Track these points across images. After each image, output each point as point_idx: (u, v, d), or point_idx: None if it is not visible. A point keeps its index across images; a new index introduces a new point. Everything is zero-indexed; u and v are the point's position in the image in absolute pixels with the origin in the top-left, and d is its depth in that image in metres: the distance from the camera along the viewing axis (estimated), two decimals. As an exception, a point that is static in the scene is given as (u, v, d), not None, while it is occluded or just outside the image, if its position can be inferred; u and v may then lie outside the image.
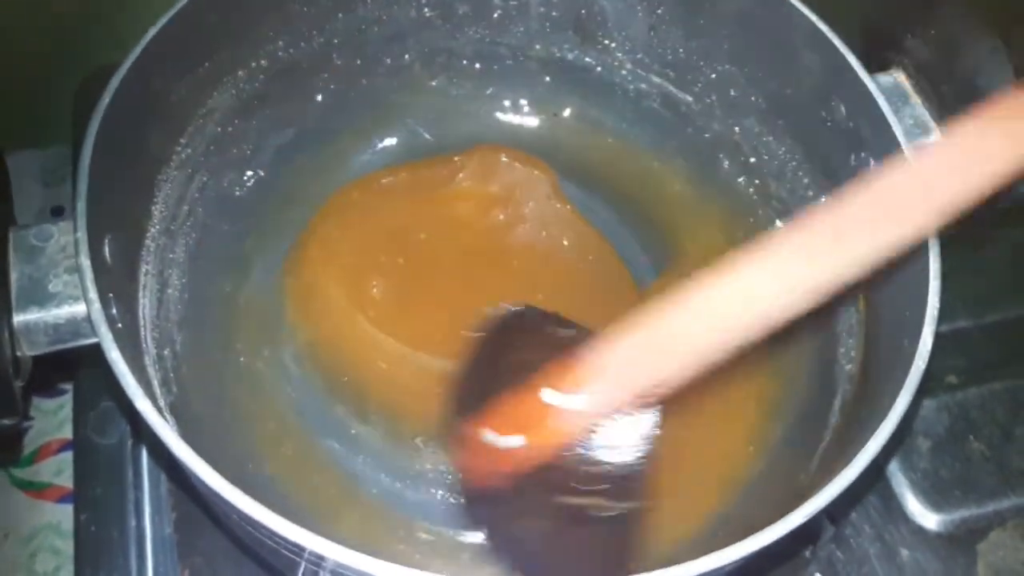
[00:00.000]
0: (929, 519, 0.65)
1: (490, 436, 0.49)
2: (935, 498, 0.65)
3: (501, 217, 0.70)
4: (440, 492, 0.59)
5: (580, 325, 0.55)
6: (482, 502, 0.52)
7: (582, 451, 0.48)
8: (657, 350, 0.46)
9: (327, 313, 0.65)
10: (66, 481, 0.88)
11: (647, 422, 0.49)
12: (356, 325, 0.64)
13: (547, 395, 0.47)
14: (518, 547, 0.52)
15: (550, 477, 0.48)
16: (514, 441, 0.48)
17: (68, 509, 0.85)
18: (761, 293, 0.45)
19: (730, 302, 0.45)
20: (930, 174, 0.45)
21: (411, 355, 0.63)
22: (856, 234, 0.44)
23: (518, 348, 0.55)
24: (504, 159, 0.71)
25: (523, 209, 0.70)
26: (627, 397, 0.47)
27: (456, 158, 0.71)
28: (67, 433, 0.90)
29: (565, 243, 0.70)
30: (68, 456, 0.89)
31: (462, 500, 0.54)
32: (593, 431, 0.48)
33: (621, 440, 0.49)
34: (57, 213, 0.99)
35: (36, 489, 0.89)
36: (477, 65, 0.72)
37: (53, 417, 0.92)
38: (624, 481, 0.49)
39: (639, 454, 0.49)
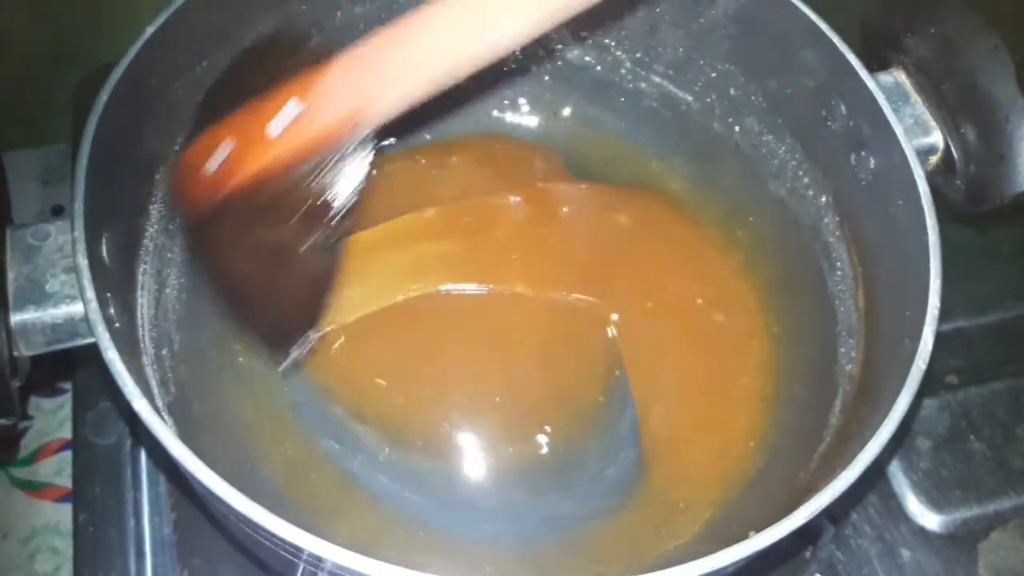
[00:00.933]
0: (930, 519, 0.65)
1: (212, 151, 0.46)
2: (936, 498, 0.65)
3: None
4: (439, 493, 0.59)
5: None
6: (199, 233, 0.50)
7: (296, 177, 0.46)
8: (395, 64, 0.45)
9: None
10: (65, 481, 0.88)
11: (361, 159, 0.47)
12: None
13: (276, 109, 0.45)
14: (229, 280, 0.51)
15: (263, 201, 0.47)
16: (234, 151, 0.46)
17: (67, 509, 0.85)
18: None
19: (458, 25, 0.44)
20: None
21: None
22: None
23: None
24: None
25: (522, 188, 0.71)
26: (357, 117, 0.45)
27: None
28: (67, 433, 0.90)
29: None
30: (67, 456, 0.89)
31: (187, 234, 0.52)
32: (311, 159, 0.46)
33: (336, 173, 0.47)
34: (57, 212, 1.00)
35: (35, 489, 0.90)
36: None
37: (53, 417, 0.92)
38: (332, 212, 0.47)
39: (351, 187, 0.47)
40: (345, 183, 0.46)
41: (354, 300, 0.63)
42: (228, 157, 0.45)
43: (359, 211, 0.48)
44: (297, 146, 0.45)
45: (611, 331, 0.66)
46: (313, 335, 0.56)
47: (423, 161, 0.72)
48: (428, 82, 0.45)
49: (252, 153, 0.45)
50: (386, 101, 0.45)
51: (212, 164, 0.46)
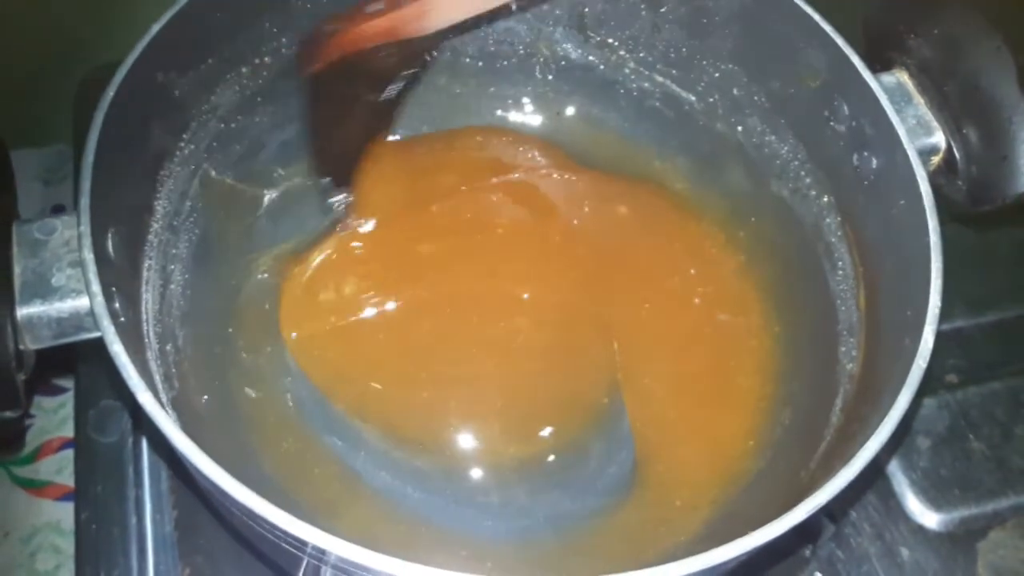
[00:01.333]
0: (929, 518, 0.65)
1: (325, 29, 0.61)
2: (935, 497, 0.65)
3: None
4: (441, 489, 0.60)
5: None
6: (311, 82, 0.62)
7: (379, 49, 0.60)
8: None
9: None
10: (66, 479, 0.88)
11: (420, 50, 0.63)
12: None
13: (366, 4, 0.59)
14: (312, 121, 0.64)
15: (355, 62, 0.60)
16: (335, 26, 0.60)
17: (68, 507, 0.85)
18: None
19: None
20: None
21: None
22: None
23: None
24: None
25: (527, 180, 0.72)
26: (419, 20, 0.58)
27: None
28: (68, 431, 0.90)
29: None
30: (69, 454, 0.89)
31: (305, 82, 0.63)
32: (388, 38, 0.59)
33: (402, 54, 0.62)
34: (58, 212, 1.00)
35: (37, 487, 0.90)
36: (480, 63, 0.72)
37: (54, 415, 0.92)
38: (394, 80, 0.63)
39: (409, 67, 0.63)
40: (406, 64, 0.63)
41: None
42: (336, 29, 0.60)
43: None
44: (377, 29, 0.59)
45: (611, 330, 0.66)
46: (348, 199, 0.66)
47: (423, 150, 0.73)
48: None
49: (349, 27, 0.59)
50: (443, 10, 0.59)
51: (325, 31, 0.60)
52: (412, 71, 0.63)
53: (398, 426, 0.62)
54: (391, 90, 0.63)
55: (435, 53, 0.69)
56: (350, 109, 0.64)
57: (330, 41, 0.60)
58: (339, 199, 0.66)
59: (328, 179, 0.66)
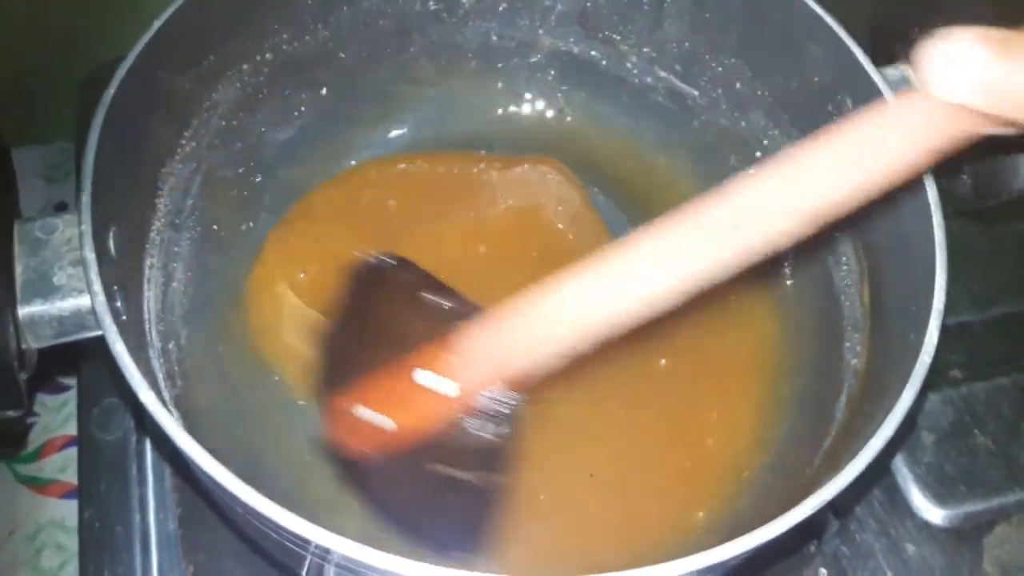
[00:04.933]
0: (934, 514, 0.65)
1: (361, 411, 0.50)
2: (940, 493, 0.65)
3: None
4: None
5: (456, 292, 0.55)
6: (353, 466, 0.52)
7: (450, 429, 0.49)
8: (533, 335, 0.46)
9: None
10: (70, 477, 0.88)
11: (512, 401, 0.49)
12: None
13: (421, 376, 0.48)
14: (389, 507, 0.53)
15: (418, 451, 0.49)
16: (384, 421, 0.49)
17: (72, 505, 0.85)
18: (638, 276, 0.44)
19: (606, 285, 0.45)
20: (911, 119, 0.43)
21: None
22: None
23: (391, 306, 0.55)
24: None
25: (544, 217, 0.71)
26: (500, 379, 0.47)
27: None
28: (71, 429, 0.90)
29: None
30: (72, 452, 0.89)
31: (335, 462, 0.54)
32: (463, 412, 0.49)
33: (487, 417, 0.50)
34: (60, 209, 1.00)
35: (40, 485, 0.90)
36: (482, 59, 0.72)
37: (57, 414, 0.92)
38: (488, 457, 0.50)
39: (503, 431, 0.50)
40: (489, 430, 0.49)
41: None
42: (384, 418, 0.49)
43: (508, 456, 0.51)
44: (444, 407, 0.48)
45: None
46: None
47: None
48: (563, 350, 0.46)
49: (407, 414, 0.48)
50: (526, 363, 0.47)
51: (369, 415, 0.49)
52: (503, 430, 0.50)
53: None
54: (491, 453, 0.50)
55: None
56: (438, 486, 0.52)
57: (377, 435, 0.49)
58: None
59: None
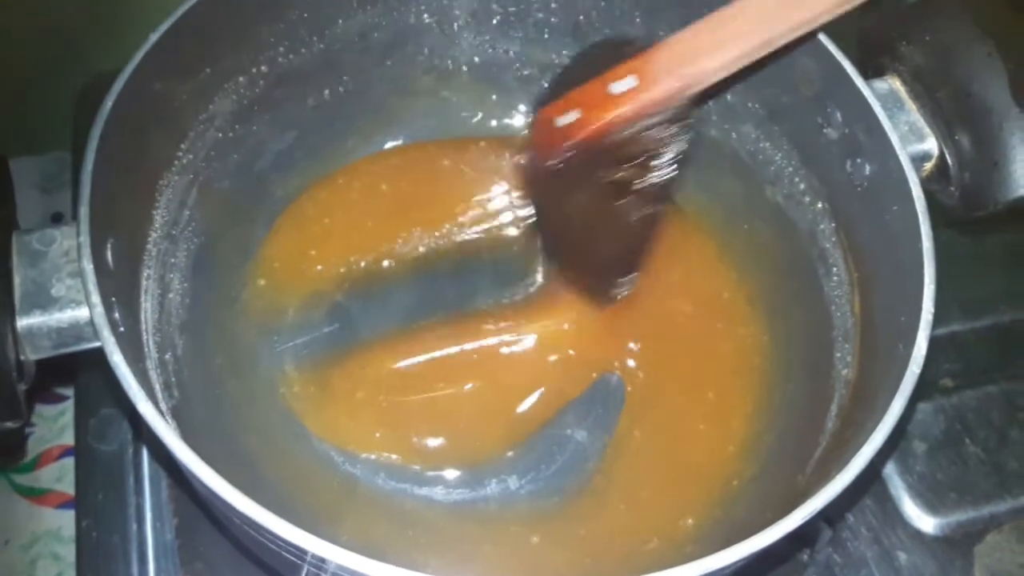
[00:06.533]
0: (926, 522, 0.65)
1: (557, 118, 0.56)
2: (931, 501, 0.65)
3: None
4: (438, 492, 0.60)
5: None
6: (539, 184, 0.60)
7: (629, 134, 0.55)
8: (707, 46, 0.53)
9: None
10: (66, 487, 0.89)
11: (683, 130, 0.55)
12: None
13: (610, 85, 0.55)
14: (561, 226, 0.61)
15: (598, 156, 0.55)
16: (573, 115, 0.55)
17: (68, 515, 0.85)
18: None
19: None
20: None
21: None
22: None
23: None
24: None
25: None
26: (677, 90, 0.53)
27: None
28: (67, 439, 0.90)
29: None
30: (68, 462, 0.89)
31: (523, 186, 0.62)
32: (641, 121, 0.54)
33: (662, 136, 0.55)
34: (57, 220, 1.00)
35: (37, 495, 0.90)
36: (476, 71, 0.73)
37: (53, 423, 0.92)
38: (657, 169, 0.56)
39: (674, 148, 0.55)
40: (671, 142, 0.55)
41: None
42: (579, 115, 0.55)
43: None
44: (632, 109, 0.54)
45: (604, 337, 0.66)
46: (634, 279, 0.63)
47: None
48: (740, 57, 0.53)
49: (597, 111, 0.54)
50: (703, 74, 0.53)
51: (565, 119, 0.55)
52: (684, 141, 0.56)
53: (399, 421, 0.62)
54: (664, 169, 0.56)
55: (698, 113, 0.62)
56: (611, 200, 0.58)
57: (570, 132, 0.55)
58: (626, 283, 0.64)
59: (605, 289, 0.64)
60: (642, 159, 0.55)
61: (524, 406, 0.63)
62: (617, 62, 0.55)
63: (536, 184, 0.62)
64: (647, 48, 0.55)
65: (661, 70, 0.53)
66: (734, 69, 0.53)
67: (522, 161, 0.62)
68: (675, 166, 0.56)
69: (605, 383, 0.65)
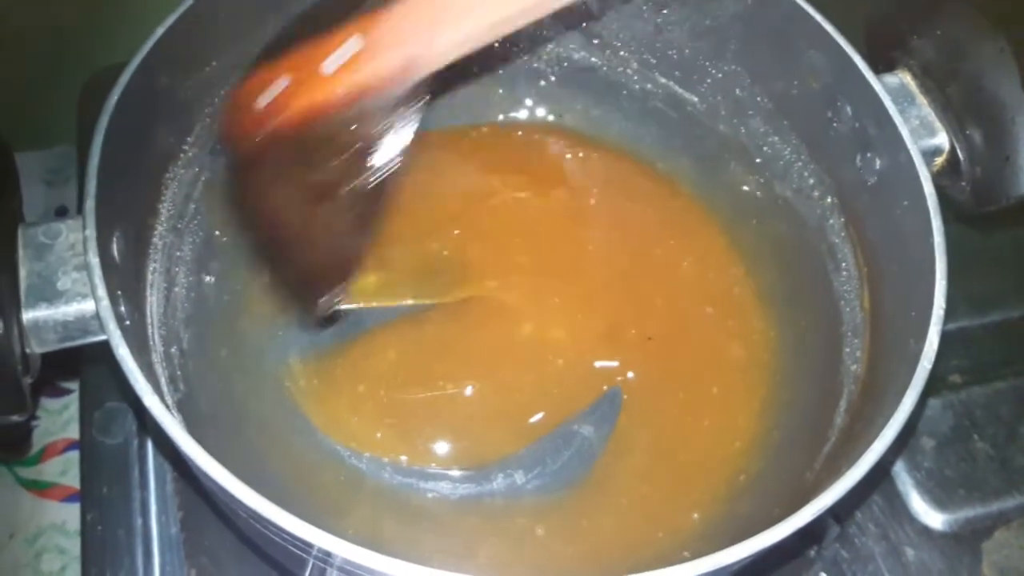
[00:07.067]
0: (934, 518, 0.65)
1: (257, 97, 0.47)
2: (940, 497, 0.65)
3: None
4: (444, 487, 0.60)
5: None
6: (248, 173, 0.50)
7: (345, 120, 0.46)
8: (447, 16, 0.45)
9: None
10: (71, 480, 0.89)
11: (410, 114, 0.46)
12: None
13: (325, 56, 0.45)
14: (268, 223, 0.51)
15: (310, 140, 0.46)
16: (273, 92, 0.46)
17: (73, 508, 0.86)
18: None
19: None
20: None
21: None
22: None
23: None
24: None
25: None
26: (406, 66, 0.45)
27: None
28: (72, 433, 0.90)
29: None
30: (73, 455, 0.89)
31: (233, 173, 0.51)
32: (362, 103, 0.45)
33: (385, 123, 0.46)
34: (61, 213, 1.00)
35: (41, 488, 0.90)
36: (483, 65, 0.73)
37: (58, 417, 0.93)
38: (377, 161, 0.47)
39: (398, 139, 0.47)
40: (393, 135, 0.46)
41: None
42: (283, 91, 0.45)
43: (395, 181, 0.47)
44: (350, 86, 0.45)
45: (613, 331, 0.66)
46: (345, 290, 0.52)
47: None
48: (477, 33, 0.46)
49: (306, 88, 0.45)
50: (438, 48, 0.45)
51: (266, 97, 0.45)
52: (404, 137, 0.46)
53: (405, 416, 0.62)
54: (382, 167, 0.46)
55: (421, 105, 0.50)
56: (321, 200, 0.48)
57: (274, 110, 0.46)
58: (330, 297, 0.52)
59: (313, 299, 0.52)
60: (355, 151, 0.46)
61: (534, 418, 0.63)
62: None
63: (232, 173, 0.52)
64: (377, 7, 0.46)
65: (389, 38, 0.45)
66: (474, 44, 0.46)
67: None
68: (397, 160, 0.46)
69: (612, 379, 0.65)
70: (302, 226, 0.50)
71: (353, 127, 0.45)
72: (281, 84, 0.45)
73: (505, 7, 0.45)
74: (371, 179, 0.46)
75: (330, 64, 0.44)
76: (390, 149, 0.46)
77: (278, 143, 0.46)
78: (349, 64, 0.44)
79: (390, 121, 0.46)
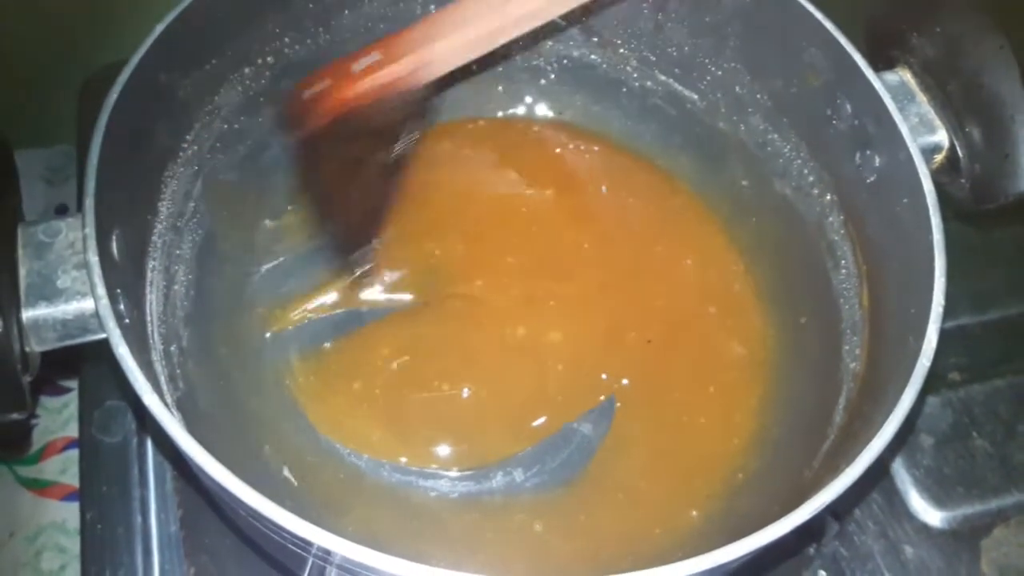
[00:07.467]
0: (933, 516, 0.65)
1: (306, 91, 0.58)
2: (939, 495, 0.65)
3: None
4: (444, 485, 0.60)
5: None
6: (303, 149, 0.60)
7: (372, 110, 0.57)
8: (442, 32, 0.57)
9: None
10: (70, 479, 0.89)
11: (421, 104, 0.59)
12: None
13: (356, 62, 0.57)
14: (317, 186, 0.62)
15: (345, 126, 0.57)
16: (320, 87, 0.57)
17: (73, 507, 0.86)
18: None
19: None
20: None
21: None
22: None
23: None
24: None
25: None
26: (415, 70, 0.57)
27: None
28: (72, 431, 0.90)
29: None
30: (73, 454, 0.89)
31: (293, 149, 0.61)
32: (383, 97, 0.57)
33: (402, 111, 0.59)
34: (61, 212, 1.00)
35: (41, 487, 0.90)
36: (483, 62, 0.72)
37: (58, 415, 0.92)
38: (398, 140, 0.60)
39: (414, 123, 0.60)
40: (409, 122, 0.60)
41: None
42: (325, 88, 0.57)
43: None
44: (372, 86, 0.56)
45: (612, 328, 0.66)
46: (373, 249, 0.66)
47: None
48: (472, 46, 0.57)
49: (340, 87, 0.57)
50: (440, 55, 0.57)
51: (312, 92, 0.57)
52: (418, 126, 0.61)
53: (405, 414, 0.62)
54: (400, 147, 0.61)
55: (436, 101, 0.67)
56: (356, 171, 0.62)
57: (319, 103, 0.57)
58: (362, 253, 0.66)
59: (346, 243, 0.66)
60: (380, 133, 0.59)
61: (536, 422, 0.63)
62: None
63: (295, 152, 0.64)
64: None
65: (402, 50, 0.57)
66: (467, 55, 0.58)
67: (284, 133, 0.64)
68: (412, 141, 0.61)
69: (612, 379, 0.65)
70: (342, 189, 0.61)
71: (377, 115, 0.57)
72: (324, 84, 0.57)
73: (495, 21, 0.56)
74: (392, 154, 0.60)
75: (356, 69, 0.57)
76: (407, 132, 0.60)
77: (323, 126, 0.57)
78: (370, 70, 0.57)
79: (406, 111, 0.58)
